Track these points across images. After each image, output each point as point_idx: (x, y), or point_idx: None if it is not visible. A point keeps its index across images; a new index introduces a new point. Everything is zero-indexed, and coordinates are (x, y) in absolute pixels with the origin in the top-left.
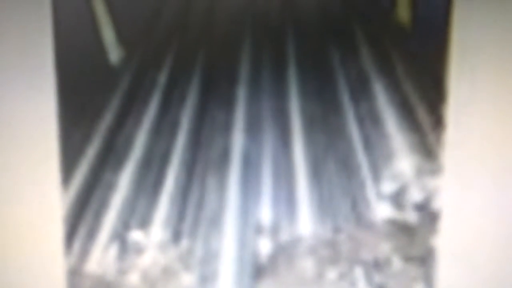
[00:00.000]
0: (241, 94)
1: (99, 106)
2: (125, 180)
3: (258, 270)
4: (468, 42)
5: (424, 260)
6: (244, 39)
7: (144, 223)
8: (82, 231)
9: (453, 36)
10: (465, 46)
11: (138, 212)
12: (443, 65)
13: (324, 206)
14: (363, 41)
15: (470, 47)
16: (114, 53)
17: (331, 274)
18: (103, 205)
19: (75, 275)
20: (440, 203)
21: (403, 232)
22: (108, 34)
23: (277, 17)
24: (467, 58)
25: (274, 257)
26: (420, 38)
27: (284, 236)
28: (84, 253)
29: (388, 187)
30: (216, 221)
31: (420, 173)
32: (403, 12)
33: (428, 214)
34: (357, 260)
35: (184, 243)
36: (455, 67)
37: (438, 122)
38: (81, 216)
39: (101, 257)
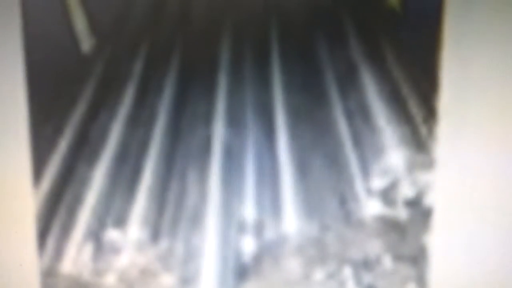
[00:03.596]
0: (222, 84)
1: (71, 97)
2: (100, 175)
3: (242, 270)
4: (461, 30)
5: (416, 258)
6: (224, 27)
7: (121, 221)
8: (55, 230)
9: (445, 23)
10: (458, 33)
11: (114, 209)
12: (435, 53)
13: (310, 203)
14: (351, 28)
15: (463, 35)
16: (86, 42)
17: (319, 274)
18: (77, 202)
19: (49, 275)
20: (433, 199)
21: (393, 229)
22: (79, 21)
23: (259, 3)
24: (460, 46)
25: (258, 257)
26: (411, 25)
27: (269, 234)
28: (58, 253)
29: (378, 182)
30: (197, 219)
31: (411, 167)
32: None
33: (420, 211)
34: (346, 260)
35: (163, 242)
36: (448, 56)
37: (430, 113)
38: (54, 213)
39: (76, 257)
